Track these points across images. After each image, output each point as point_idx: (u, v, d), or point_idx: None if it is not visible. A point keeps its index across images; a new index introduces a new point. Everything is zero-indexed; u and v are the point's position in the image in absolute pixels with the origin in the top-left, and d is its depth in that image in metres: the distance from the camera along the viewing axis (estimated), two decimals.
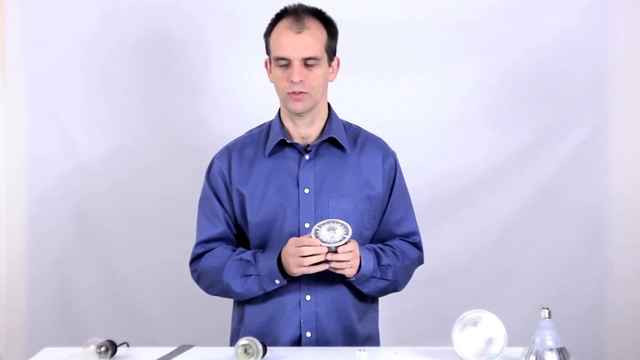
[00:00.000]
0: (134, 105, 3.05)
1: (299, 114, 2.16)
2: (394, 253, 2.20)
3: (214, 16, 3.03)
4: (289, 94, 2.12)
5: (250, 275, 2.13)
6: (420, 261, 2.30)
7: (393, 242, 2.23)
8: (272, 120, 2.26)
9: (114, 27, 3.02)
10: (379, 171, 2.23)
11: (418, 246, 2.29)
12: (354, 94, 2.92)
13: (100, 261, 3.06)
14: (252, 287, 2.13)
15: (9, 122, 2.99)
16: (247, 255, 2.14)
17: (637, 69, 3.06)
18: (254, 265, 2.12)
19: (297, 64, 2.10)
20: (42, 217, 3.03)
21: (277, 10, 2.18)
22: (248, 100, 2.99)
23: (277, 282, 2.11)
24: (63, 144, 3.03)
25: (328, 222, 2.04)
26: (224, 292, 2.19)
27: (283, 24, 2.13)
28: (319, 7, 2.18)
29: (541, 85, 3.07)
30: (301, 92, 2.11)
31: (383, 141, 2.29)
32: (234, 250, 2.19)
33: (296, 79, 2.09)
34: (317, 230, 2.03)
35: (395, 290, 2.24)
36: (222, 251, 2.19)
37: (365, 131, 2.30)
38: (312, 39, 2.11)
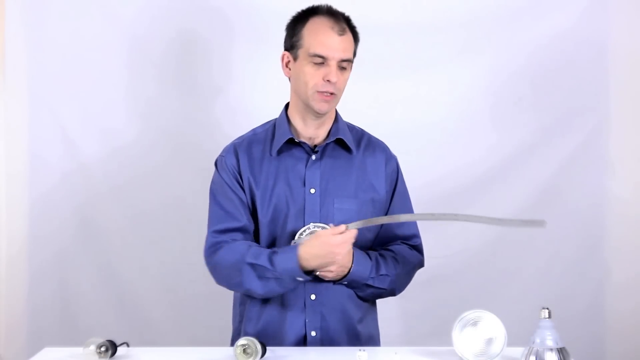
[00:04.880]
0: (134, 106, 3.05)
1: (320, 114, 2.17)
2: (395, 259, 2.21)
3: (209, 16, 3.03)
4: (319, 92, 2.12)
5: (269, 278, 2.08)
6: (420, 265, 2.30)
7: (395, 247, 2.24)
8: (276, 119, 2.26)
9: (114, 27, 3.02)
10: (382, 174, 2.24)
11: (418, 249, 2.30)
12: (354, 94, 2.91)
13: (101, 261, 3.05)
14: (274, 288, 2.10)
15: (9, 122, 2.99)
16: (263, 259, 2.08)
17: (637, 68, 3.06)
18: (270, 269, 2.07)
19: (334, 64, 2.10)
20: (43, 217, 3.03)
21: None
22: (247, 99, 3.00)
23: (300, 279, 2.07)
24: (63, 145, 3.03)
25: (311, 228, 2.07)
26: (245, 292, 2.17)
27: (322, 21, 2.13)
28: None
29: (541, 85, 3.07)
30: (331, 93, 2.12)
31: (385, 144, 2.31)
32: (251, 247, 2.13)
33: (334, 79, 2.10)
34: (300, 237, 2.05)
35: (392, 295, 2.25)
36: (240, 246, 2.13)
37: (368, 133, 2.31)
38: (349, 43, 2.15)
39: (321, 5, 2.18)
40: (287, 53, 2.18)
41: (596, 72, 3.07)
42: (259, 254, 2.09)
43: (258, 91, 3.00)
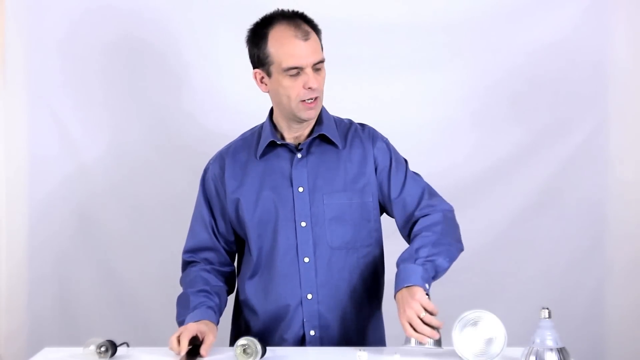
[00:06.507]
0: (133, 105, 3.05)
1: (309, 120, 2.16)
2: (428, 233, 2.11)
3: (205, 14, 3.03)
4: (303, 102, 2.10)
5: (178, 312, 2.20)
6: (450, 211, 2.21)
7: (417, 227, 2.14)
8: (264, 122, 2.26)
9: (113, 27, 3.02)
10: (370, 158, 2.21)
11: (436, 209, 2.19)
12: (353, 94, 2.92)
13: (101, 261, 3.06)
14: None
15: (9, 122, 2.99)
16: (183, 305, 2.20)
17: (636, 69, 3.06)
18: (181, 316, 2.17)
19: (310, 71, 2.08)
20: (43, 217, 3.03)
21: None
22: (246, 98, 2.98)
23: None
24: (63, 145, 3.03)
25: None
26: None
27: (282, 32, 2.08)
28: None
29: (541, 85, 3.07)
30: (315, 98, 2.10)
31: (373, 129, 2.27)
32: (203, 277, 2.23)
33: (314, 85, 2.08)
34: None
35: (460, 250, 2.17)
36: (192, 275, 2.25)
37: (356, 123, 2.28)
38: (316, 43, 2.10)
39: (275, 13, 2.13)
40: (258, 70, 2.14)
41: (596, 72, 3.07)
42: (192, 295, 2.19)
43: (251, 90, 3.00)
